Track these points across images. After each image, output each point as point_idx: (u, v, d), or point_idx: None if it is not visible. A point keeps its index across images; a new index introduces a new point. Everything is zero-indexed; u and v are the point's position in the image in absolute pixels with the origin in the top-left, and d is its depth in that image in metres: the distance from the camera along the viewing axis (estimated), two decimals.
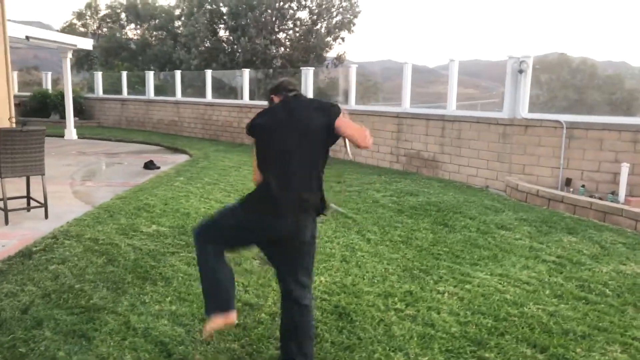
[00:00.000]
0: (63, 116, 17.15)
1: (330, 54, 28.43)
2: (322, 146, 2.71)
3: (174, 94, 17.57)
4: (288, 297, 2.83)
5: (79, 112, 19.91)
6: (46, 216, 6.01)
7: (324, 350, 3.11)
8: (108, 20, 32.75)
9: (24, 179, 6.18)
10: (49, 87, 21.79)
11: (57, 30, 25.95)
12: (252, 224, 2.69)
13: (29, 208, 6.23)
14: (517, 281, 4.27)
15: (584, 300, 3.91)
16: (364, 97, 14.88)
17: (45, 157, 6.01)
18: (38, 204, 6.09)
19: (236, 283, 3.16)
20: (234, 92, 16.79)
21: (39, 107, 20.26)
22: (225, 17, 26.29)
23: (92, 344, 3.11)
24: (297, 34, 27.17)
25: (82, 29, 32.76)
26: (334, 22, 28.13)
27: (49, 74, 22.59)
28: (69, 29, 31.74)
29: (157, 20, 29.91)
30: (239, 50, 24.89)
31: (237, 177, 8.78)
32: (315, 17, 27.59)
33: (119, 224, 5.63)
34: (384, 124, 10.99)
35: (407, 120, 10.49)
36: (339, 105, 2.77)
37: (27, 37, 12.22)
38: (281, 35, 26.93)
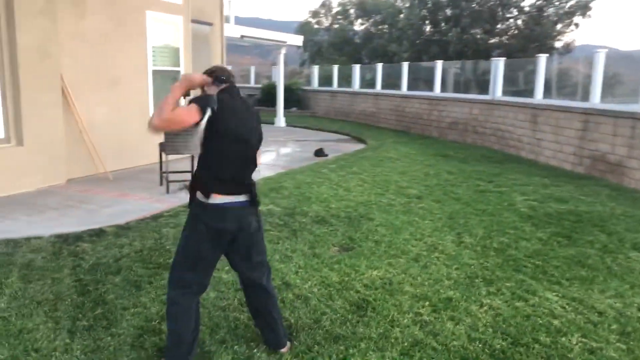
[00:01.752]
0: (287, 106, 19.17)
1: (558, 42, 25.84)
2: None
3: (374, 86, 18.25)
4: (247, 283, 3.03)
5: (297, 102, 22.12)
6: None
7: (313, 334, 3.21)
8: (339, 17, 35.26)
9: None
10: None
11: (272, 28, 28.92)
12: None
13: (186, 182, 7.41)
14: (589, 309, 3.63)
15: None
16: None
17: None
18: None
19: None
20: (429, 84, 16.64)
21: (268, 98, 23.04)
22: (440, 9, 25.99)
23: (138, 293, 3.75)
24: (520, 23, 25.37)
25: (316, 26, 35.95)
26: (567, 6, 25.47)
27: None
28: (305, 27, 35.13)
29: (380, 15, 31.10)
30: (451, 42, 24.37)
31: (384, 169, 8.90)
32: (543, 2, 25.36)
33: None
34: (570, 122, 9.77)
35: (593, 118, 9.16)
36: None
37: (242, 36, 14.13)
38: (501, 26, 25.49)
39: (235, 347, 3.06)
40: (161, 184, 7.32)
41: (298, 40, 16.98)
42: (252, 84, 25.66)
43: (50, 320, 3.31)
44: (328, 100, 21.15)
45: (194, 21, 11.59)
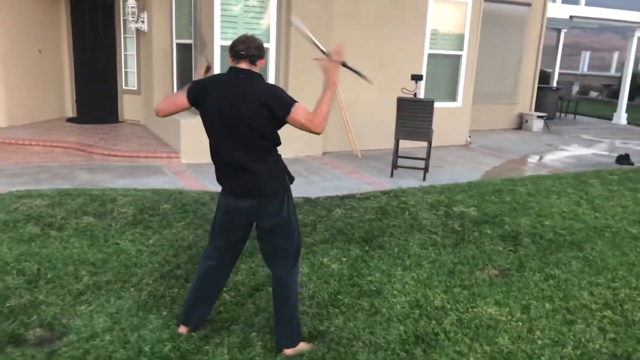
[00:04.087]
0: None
1: None
2: None
3: None
4: (272, 275, 2.91)
5: None
6: (424, 178, 6.83)
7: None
8: None
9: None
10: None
11: None
12: None
13: (413, 167, 7.18)
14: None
15: None
16: None
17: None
18: (412, 167, 6.96)
19: None
20: None
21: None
22: None
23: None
24: None
25: None
26: None
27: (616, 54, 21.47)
28: None
29: None
30: None
31: None
32: None
33: (436, 199, 5.80)
34: None
35: None
36: None
37: (571, 17, 12.37)
38: None
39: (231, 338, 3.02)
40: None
41: None
42: (613, 72, 22.10)
43: None
44: None
45: (503, 2, 10.83)
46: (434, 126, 6.88)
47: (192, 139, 7.13)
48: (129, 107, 9.47)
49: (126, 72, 9.35)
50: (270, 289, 3.18)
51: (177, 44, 8.11)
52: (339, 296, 3.53)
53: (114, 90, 9.38)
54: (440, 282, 3.80)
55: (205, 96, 2.66)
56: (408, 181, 6.69)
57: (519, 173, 7.57)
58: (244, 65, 2.68)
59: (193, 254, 4.05)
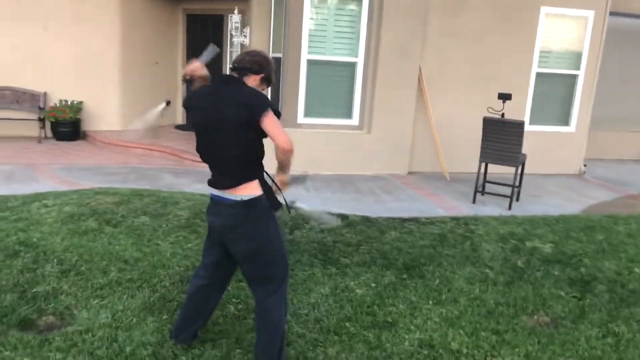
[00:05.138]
0: None
1: None
2: None
3: None
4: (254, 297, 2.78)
5: None
6: (509, 206, 6.20)
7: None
8: None
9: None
10: None
11: None
12: None
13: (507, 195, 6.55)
14: None
15: None
16: None
17: None
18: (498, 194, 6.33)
19: None
20: None
21: None
22: None
23: None
24: None
25: None
26: None
27: None
28: None
29: None
30: None
31: None
32: None
33: (510, 231, 5.19)
34: None
35: None
36: None
37: None
38: None
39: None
40: (478, 192, 6.76)
41: None
42: None
43: None
44: None
45: (633, 15, 9.64)
46: (538, 151, 6.24)
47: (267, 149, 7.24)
48: None
49: None
50: None
51: (276, 59, 8.33)
52: (347, 323, 3.27)
53: None
54: (471, 322, 3.36)
55: (190, 106, 2.64)
56: (491, 209, 6.12)
57: (632, 210, 6.56)
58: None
59: None
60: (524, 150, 6.23)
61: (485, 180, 6.73)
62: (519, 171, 6.34)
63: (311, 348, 2.98)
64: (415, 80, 7.56)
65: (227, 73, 2.68)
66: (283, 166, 2.58)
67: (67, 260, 3.91)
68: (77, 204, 5.13)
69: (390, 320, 3.34)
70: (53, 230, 4.43)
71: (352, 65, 7.45)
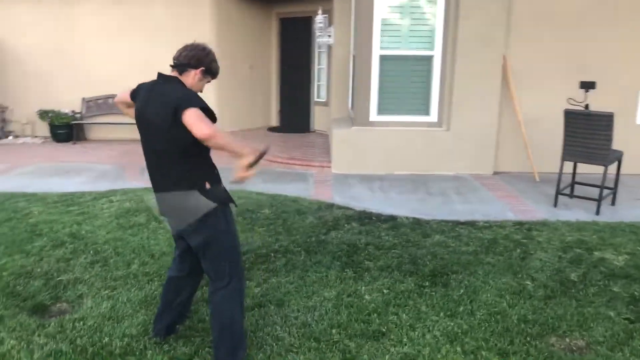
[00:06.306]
0: None
1: None
2: None
3: None
4: None
5: None
6: (597, 211, 5.39)
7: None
8: None
9: None
10: None
11: None
12: None
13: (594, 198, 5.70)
14: None
15: None
16: None
17: None
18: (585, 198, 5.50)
19: None
20: None
21: None
22: None
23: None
24: None
25: None
26: None
27: None
28: None
29: None
30: None
31: None
32: None
33: (580, 239, 4.47)
34: None
35: None
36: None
37: None
38: None
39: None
40: (565, 195, 5.97)
41: None
42: None
43: None
44: None
45: None
46: None
47: (343, 149, 7.10)
48: (318, 118, 9.95)
49: (318, 85, 9.85)
50: (270, 308, 3.18)
51: (354, 56, 8.18)
52: (333, 330, 3.05)
53: (307, 102, 9.98)
54: (477, 340, 2.94)
55: (135, 97, 2.65)
56: (573, 213, 5.36)
57: None
58: (174, 74, 2.54)
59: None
60: (626, 148, 5.38)
61: (573, 181, 5.94)
62: (613, 170, 5.48)
63: (283, 353, 2.82)
64: (499, 71, 6.91)
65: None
66: (229, 152, 2.43)
67: (102, 252, 4.17)
68: (138, 201, 5.47)
69: (383, 330, 3.05)
70: (103, 224, 4.77)
71: (429, 59, 7.02)
